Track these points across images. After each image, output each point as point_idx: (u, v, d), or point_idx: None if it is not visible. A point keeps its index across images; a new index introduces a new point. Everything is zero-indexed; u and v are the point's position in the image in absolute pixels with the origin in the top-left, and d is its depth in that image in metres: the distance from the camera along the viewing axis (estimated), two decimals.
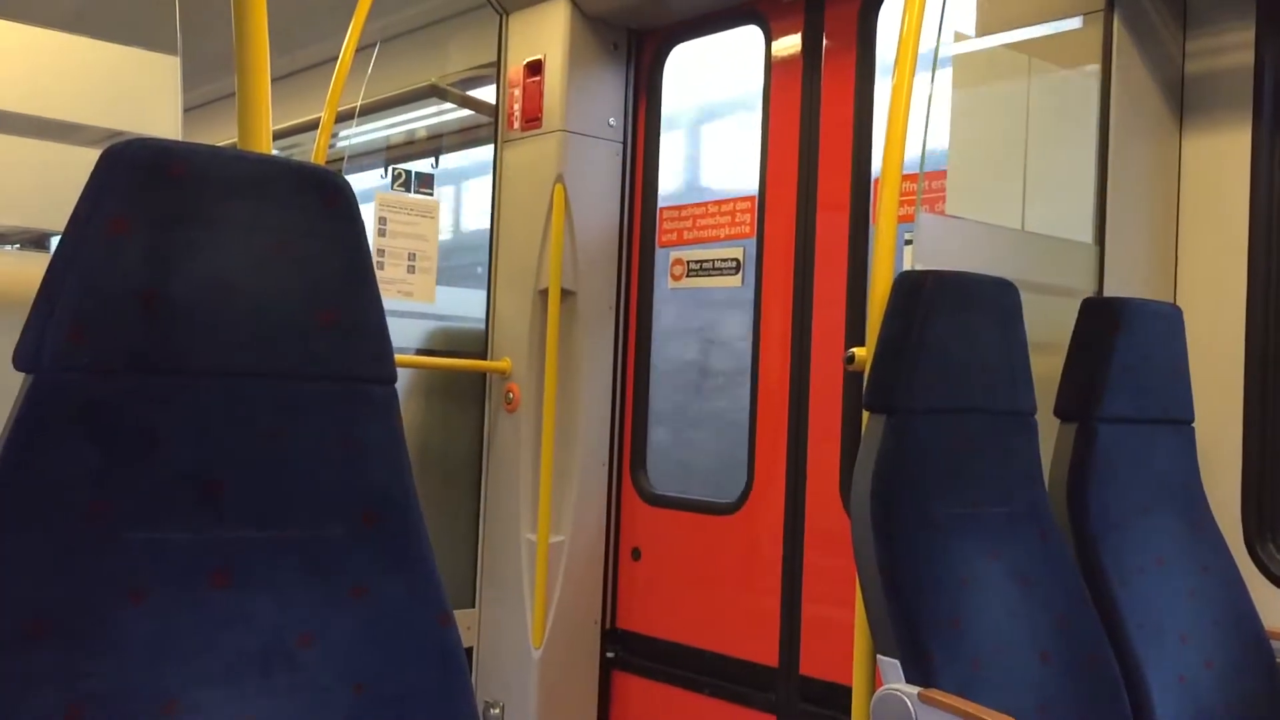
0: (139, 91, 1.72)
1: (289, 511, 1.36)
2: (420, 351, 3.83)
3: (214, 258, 1.32)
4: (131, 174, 1.28)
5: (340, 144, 4.20)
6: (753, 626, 3.19)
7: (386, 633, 1.39)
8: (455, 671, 1.44)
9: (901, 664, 1.86)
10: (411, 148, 4.49)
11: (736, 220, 3.37)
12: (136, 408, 1.27)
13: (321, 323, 1.39)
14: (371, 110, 4.00)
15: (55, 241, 1.32)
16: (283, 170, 1.40)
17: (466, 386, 3.69)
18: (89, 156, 1.37)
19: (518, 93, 3.57)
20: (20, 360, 1.25)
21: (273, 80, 1.66)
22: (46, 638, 1.18)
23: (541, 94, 3.49)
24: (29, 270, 1.55)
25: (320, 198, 1.40)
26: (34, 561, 1.20)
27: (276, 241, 1.36)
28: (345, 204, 1.42)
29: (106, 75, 1.71)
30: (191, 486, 1.30)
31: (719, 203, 3.44)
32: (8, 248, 4.59)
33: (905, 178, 2.11)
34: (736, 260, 3.34)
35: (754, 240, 3.30)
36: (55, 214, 1.45)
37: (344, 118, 3.56)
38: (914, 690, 1.81)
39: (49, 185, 1.63)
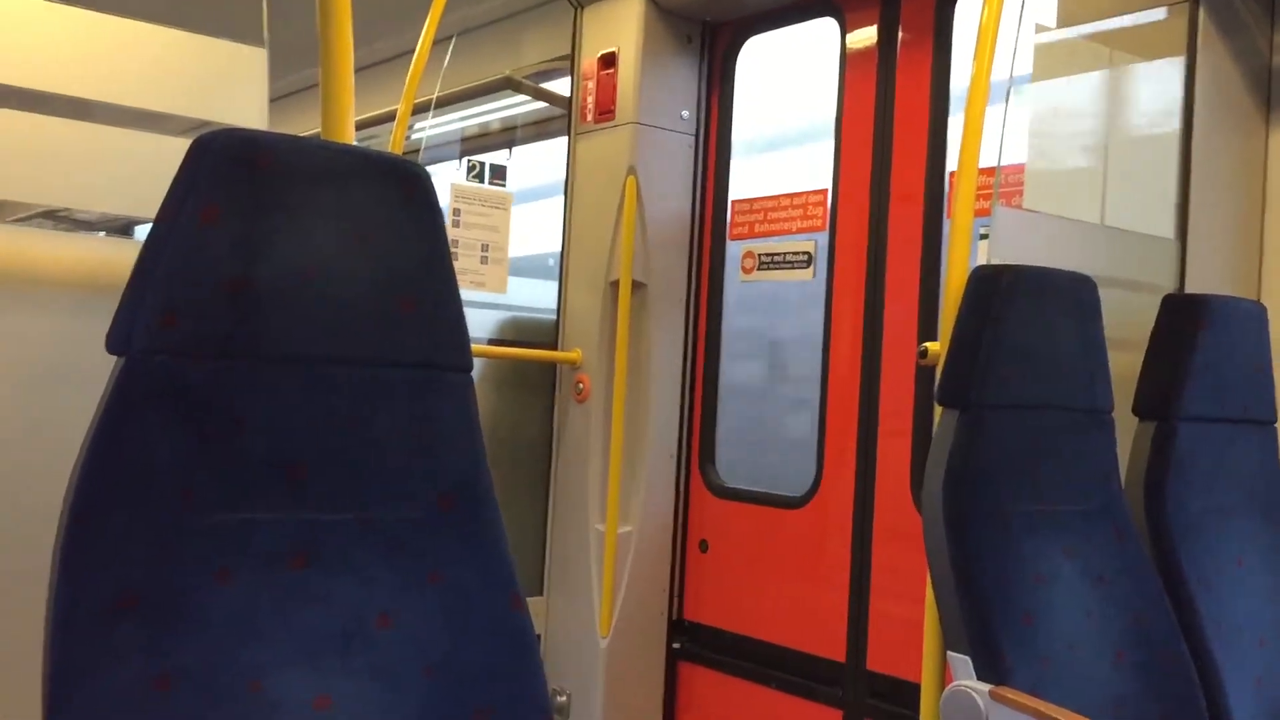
0: (227, 82, 1.76)
1: (369, 495, 1.39)
2: (492, 341, 3.86)
3: (298, 246, 1.34)
4: (221, 163, 1.31)
5: (416, 135, 4.24)
6: (820, 620, 3.18)
7: (460, 615, 1.42)
8: (527, 655, 1.46)
9: (972, 661, 1.84)
10: (486, 139, 4.53)
11: (809, 213, 3.36)
12: (224, 392, 1.30)
13: (401, 310, 1.42)
14: (447, 102, 4.04)
15: (140, 230, 1.35)
16: (365, 160, 1.42)
17: (537, 377, 3.72)
18: (176, 146, 1.40)
19: (591, 85, 3.59)
20: (112, 343, 1.29)
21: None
22: (135, 613, 1.22)
23: (615, 86, 3.50)
24: (119, 256, 1.59)
25: (401, 187, 1.42)
26: (123, 539, 1.23)
27: (358, 230, 1.39)
28: (425, 194, 1.44)
29: (196, 66, 1.74)
30: (276, 469, 1.33)
31: (791, 196, 3.42)
32: (97, 234, 4.71)
33: (981, 171, 2.09)
34: (808, 253, 3.32)
35: (826, 233, 3.29)
36: (143, 201, 1.48)
37: (420, 109, 3.60)
38: (985, 687, 1.79)
39: (137, 174, 1.67)
